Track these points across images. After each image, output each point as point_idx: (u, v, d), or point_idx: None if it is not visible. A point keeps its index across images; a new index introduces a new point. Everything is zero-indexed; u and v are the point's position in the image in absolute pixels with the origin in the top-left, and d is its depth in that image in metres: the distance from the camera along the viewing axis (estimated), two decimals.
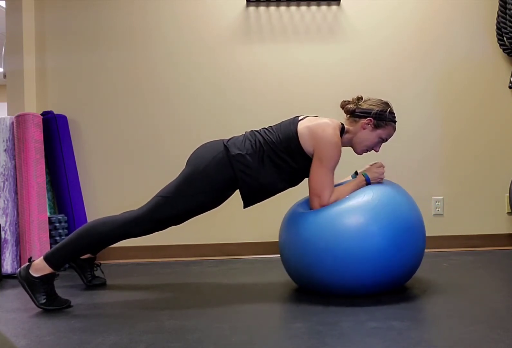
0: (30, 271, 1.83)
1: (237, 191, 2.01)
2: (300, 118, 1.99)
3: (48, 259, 1.85)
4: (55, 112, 2.90)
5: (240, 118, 2.97)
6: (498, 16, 2.99)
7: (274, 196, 2.04)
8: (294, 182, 2.02)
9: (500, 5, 2.97)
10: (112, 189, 2.97)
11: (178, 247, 2.94)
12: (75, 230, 1.94)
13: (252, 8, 3.00)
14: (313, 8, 3.01)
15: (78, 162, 2.96)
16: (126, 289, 2.17)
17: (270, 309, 1.77)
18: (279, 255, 2.07)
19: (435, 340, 1.40)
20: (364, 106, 1.99)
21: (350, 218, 1.79)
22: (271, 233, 2.77)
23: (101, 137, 2.99)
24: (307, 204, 2.01)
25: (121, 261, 2.89)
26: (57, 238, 2.69)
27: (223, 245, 2.95)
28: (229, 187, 1.95)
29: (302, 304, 1.80)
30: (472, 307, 1.70)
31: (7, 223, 2.60)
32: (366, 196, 1.85)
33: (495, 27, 3.02)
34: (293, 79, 3.00)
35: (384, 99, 2.04)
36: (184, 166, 2.00)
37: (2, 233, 2.58)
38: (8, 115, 2.91)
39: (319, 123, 1.91)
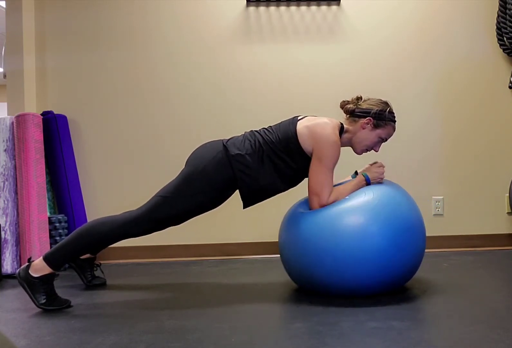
0: (29, 271, 1.83)
1: (237, 191, 2.01)
2: (299, 118, 1.99)
3: (47, 259, 1.84)
4: (55, 112, 2.90)
5: (240, 118, 2.97)
6: (498, 16, 2.99)
7: (274, 196, 2.04)
8: (294, 182, 2.02)
9: (500, 5, 2.97)
10: (112, 189, 2.97)
11: (178, 247, 2.94)
12: (74, 230, 1.94)
13: (252, 8, 3.00)
14: (313, 8, 3.01)
15: (78, 162, 2.96)
16: (126, 289, 2.17)
17: (270, 309, 1.77)
18: (279, 255, 2.07)
19: (435, 340, 1.40)
20: (364, 105, 1.99)
21: (350, 218, 1.79)
22: (271, 233, 2.77)
23: (101, 137, 2.99)
24: (307, 204, 2.00)
25: (121, 261, 2.89)
26: (57, 238, 2.69)
27: (223, 245, 2.95)
28: (229, 187, 1.95)
29: (302, 304, 1.80)
30: (472, 307, 1.70)
31: (7, 223, 2.60)
32: (366, 196, 1.84)
33: (495, 27, 3.02)
34: (293, 79, 3.00)
35: (384, 99, 2.04)
36: (184, 166, 2.00)
37: (2, 233, 2.58)
38: (8, 115, 2.91)
39: (318, 122, 1.91)
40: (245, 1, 2.99)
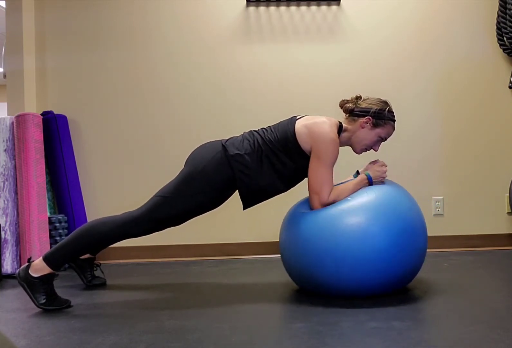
0: (29, 271, 1.82)
1: (237, 191, 2.00)
2: (297, 117, 1.99)
3: (47, 259, 1.84)
4: (55, 112, 2.90)
5: (240, 118, 2.97)
6: (498, 16, 2.99)
7: (274, 197, 2.04)
8: (293, 182, 2.01)
9: (500, 5, 2.97)
10: (112, 189, 2.97)
11: (178, 247, 2.94)
12: (74, 230, 1.94)
13: (252, 8, 3.00)
14: (313, 8, 3.01)
15: (78, 162, 2.96)
16: (126, 289, 2.17)
17: (270, 309, 1.77)
18: (279, 255, 2.07)
19: (435, 340, 1.40)
20: (363, 105, 1.99)
21: (350, 218, 1.78)
22: (271, 233, 2.77)
23: (101, 137, 2.99)
24: (308, 204, 1.99)
25: (121, 261, 2.89)
26: (57, 238, 2.69)
27: (223, 245, 2.95)
28: (228, 187, 1.94)
29: (302, 304, 1.80)
30: (472, 307, 1.70)
31: (7, 223, 2.60)
32: (367, 196, 1.84)
33: (495, 27, 3.02)
34: (293, 79, 3.01)
35: (383, 98, 2.04)
36: (183, 166, 2.00)
37: (2, 233, 2.58)
38: (8, 115, 2.91)
39: (316, 121, 1.91)
40: (245, 1, 2.99)
